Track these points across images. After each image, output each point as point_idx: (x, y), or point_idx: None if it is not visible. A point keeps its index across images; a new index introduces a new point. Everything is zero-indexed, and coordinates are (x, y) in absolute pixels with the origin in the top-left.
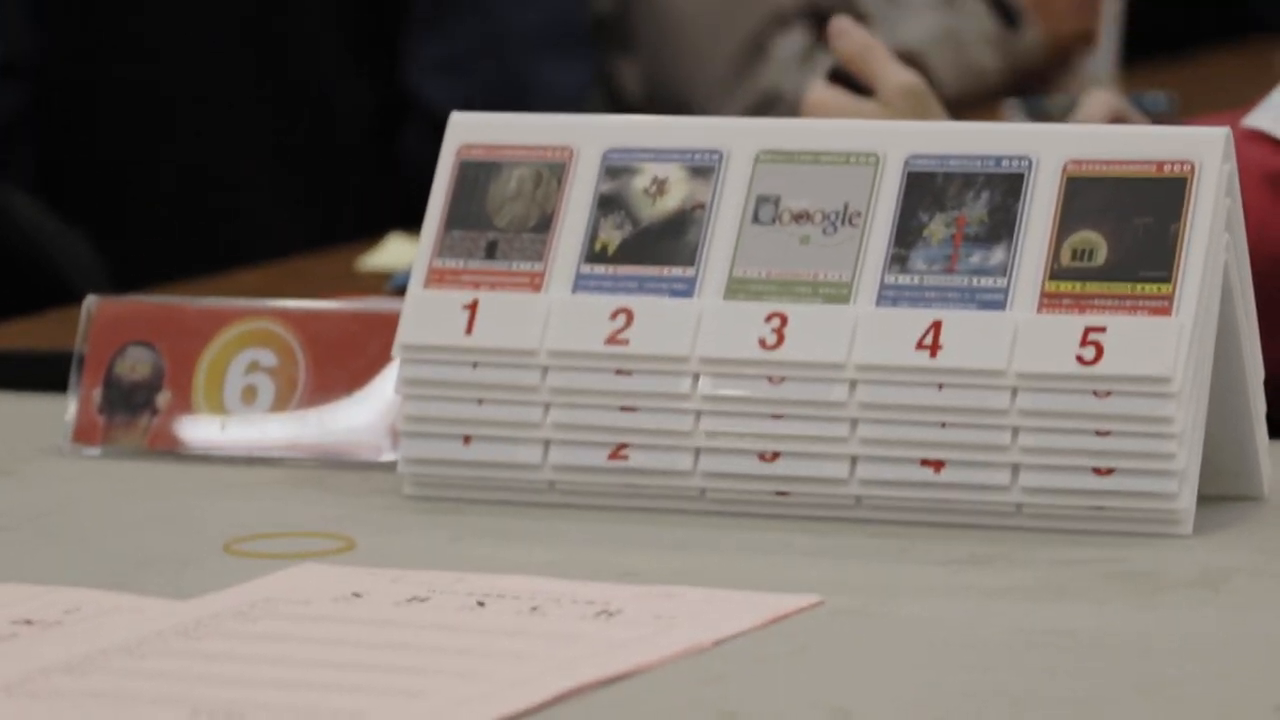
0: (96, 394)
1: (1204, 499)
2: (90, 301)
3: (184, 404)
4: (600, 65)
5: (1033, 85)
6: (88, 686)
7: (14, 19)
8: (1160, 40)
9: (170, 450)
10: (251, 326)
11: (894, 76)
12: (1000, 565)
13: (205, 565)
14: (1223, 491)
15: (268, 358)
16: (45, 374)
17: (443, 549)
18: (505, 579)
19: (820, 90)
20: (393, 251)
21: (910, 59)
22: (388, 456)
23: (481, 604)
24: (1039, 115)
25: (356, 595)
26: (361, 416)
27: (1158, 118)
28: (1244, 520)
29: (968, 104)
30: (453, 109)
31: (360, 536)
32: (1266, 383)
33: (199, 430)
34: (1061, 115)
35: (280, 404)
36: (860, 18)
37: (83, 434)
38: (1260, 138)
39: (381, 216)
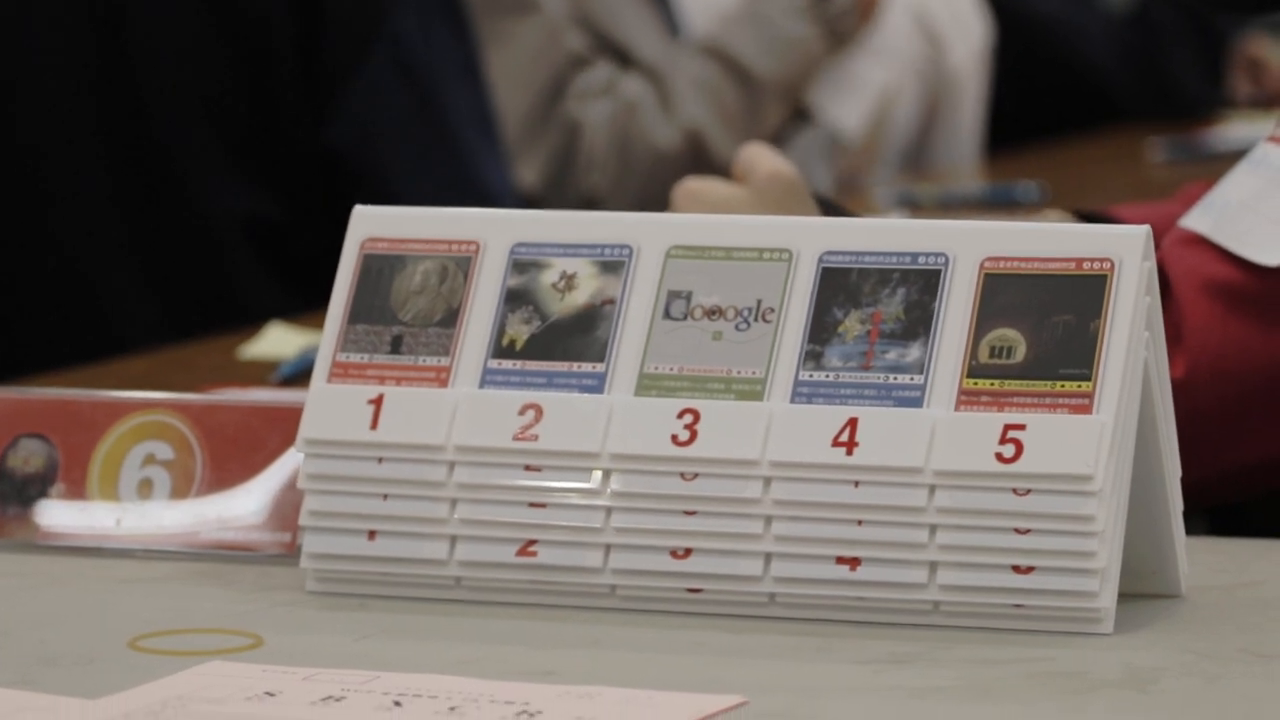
0: None
1: (1122, 597)
2: None
3: (79, 497)
4: None
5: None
6: None
7: None
8: (1023, 128)
9: (65, 544)
10: (148, 419)
11: (765, 164)
12: (921, 665)
13: (111, 662)
14: (1141, 589)
15: (164, 450)
16: None
17: (351, 647)
18: (420, 678)
19: (692, 180)
20: (273, 340)
21: (712, 51)
22: (287, 551)
23: (398, 704)
24: (911, 204)
25: (270, 694)
26: (260, 510)
27: (1029, 207)
28: (1164, 618)
29: (797, 81)
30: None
31: (266, 633)
32: (1214, 484)
33: (94, 524)
34: (932, 204)
35: (177, 497)
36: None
37: None
38: (1198, 241)
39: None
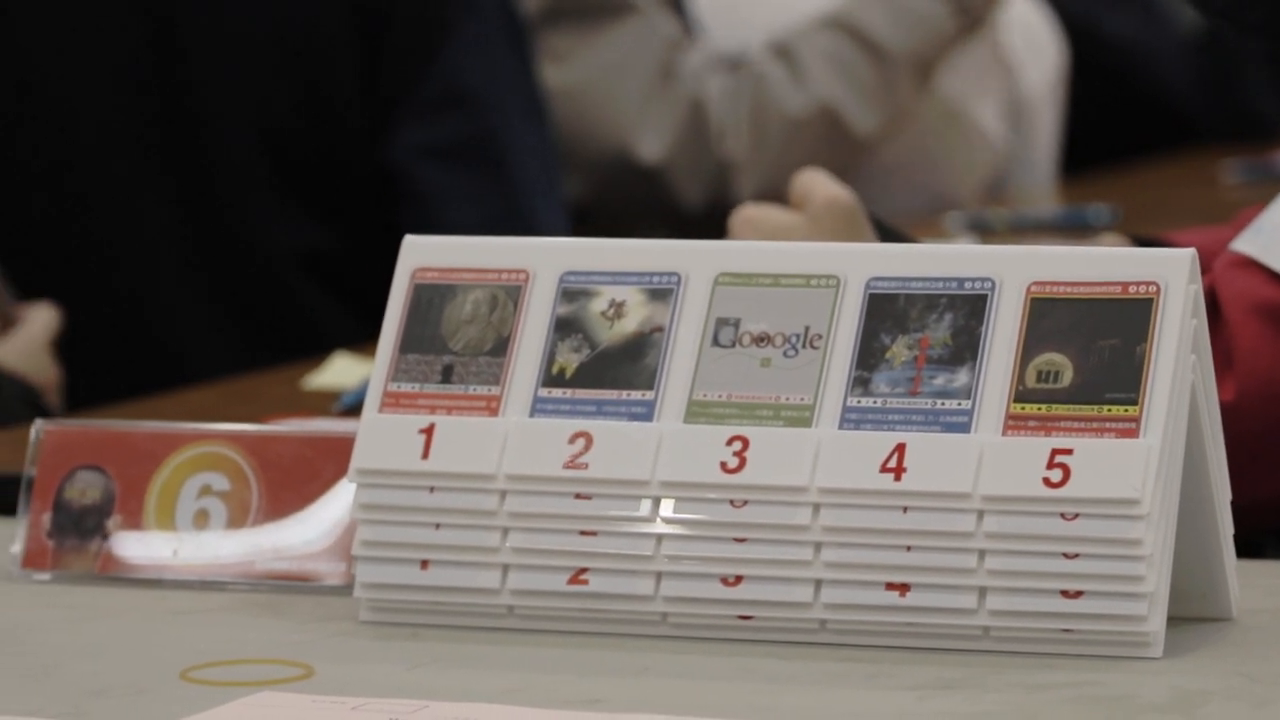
0: (46, 519)
1: (1172, 620)
2: (39, 425)
3: (135, 528)
4: None
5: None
6: None
7: None
8: (1099, 151)
9: (121, 575)
10: (204, 450)
11: (821, 190)
12: (969, 690)
13: (162, 693)
14: (1191, 613)
15: (220, 482)
16: None
17: (402, 676)
18: (469, 707)
19: (748, 207)
20: (338, 370)
21: (841, 24)
22: (342, 581)
23: None
24: (982, 229)
25: None
26: (316, 540)
27: (1101, 230)
28: (1214, 642)
29: (930, 57)
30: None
31: (318, 663)
32: (1265, 509)
33: (151, 555)
34: (1004, 228)
35: (233, 527)
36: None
37: (32, 559)
38: (1248, 264)
39: (328, 335)
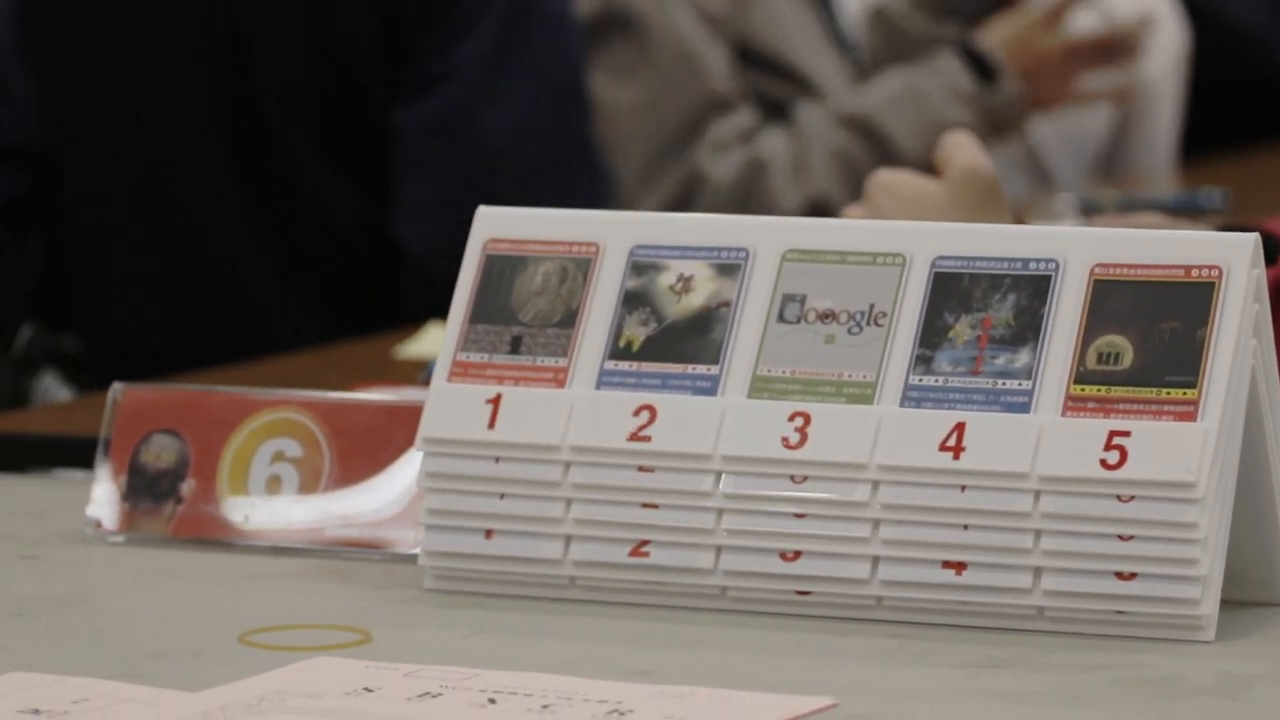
0: (121, 481)
1: (1227, 605)
2: (117, 389)
3: (208, 492)
4: None
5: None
6: None
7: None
8: (1217, 136)
9: (193, 538)
10: (277, 416)
11: (963, 158)
12: (1017, 670)
13: (219, 656)
14: (1247, 598)
15: (293, 448)
16: (73, 459)
17: (459, 644)
18: (519, 676)
19: (885, 172)
20: (430, 340)
21: (862, 124)
22: (410, 549)
23: (493, 700)
24: (1091, 210)
25: (368, 690)
26: (385, 508)
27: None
28: (1268, 627)
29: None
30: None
31: (377, 630)
32: None
33: (223, 519)
34: (1113, 210)
35: (305, 493)
36: (807, 89)
37: (107, 521)
38: None
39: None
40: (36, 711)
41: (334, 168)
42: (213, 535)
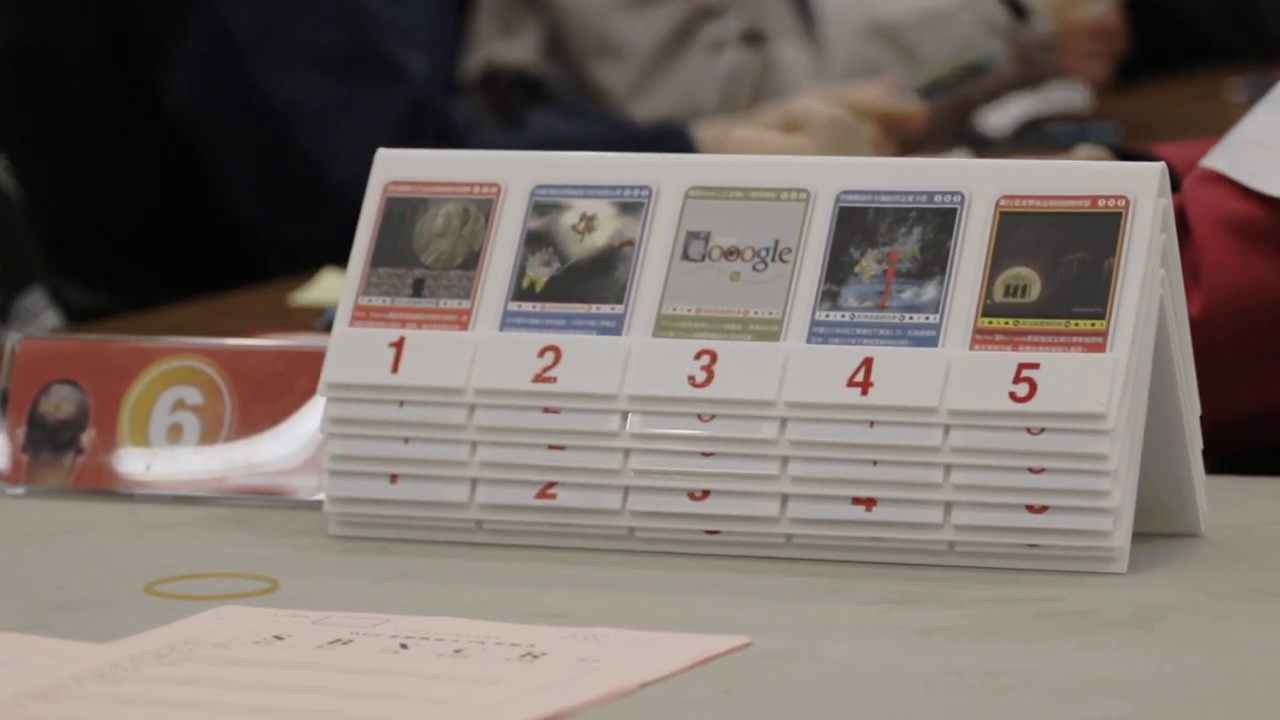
0: (20, 433)
1: (1140, 536)
2: (13, 339)
3: (109, 442)
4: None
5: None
6: None
7: None
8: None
9: (95, 489)
10: (177, 364)
11: (821, 110)
12: (930, 605)
13: (126, 607)
14: (1159, 529)
15: (194, 395)
16: None
17: (367, 590)
18: (429, 621)
19: (743, 129)
20: (326, 287)
21: (891, 36)
22: (314, 495)
23: (405, 646)
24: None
25: (278, 638)
26: (289, 455)
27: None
28: (1180, 558)
29: (971, 97)
30: None
31: (283, 578)
32: (1234, 425)
33: (124, 469)
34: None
35: (206, 442)
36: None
37: (7, 474)
38: (1218, 179)
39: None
40: None
41: None
42: (114, 486)
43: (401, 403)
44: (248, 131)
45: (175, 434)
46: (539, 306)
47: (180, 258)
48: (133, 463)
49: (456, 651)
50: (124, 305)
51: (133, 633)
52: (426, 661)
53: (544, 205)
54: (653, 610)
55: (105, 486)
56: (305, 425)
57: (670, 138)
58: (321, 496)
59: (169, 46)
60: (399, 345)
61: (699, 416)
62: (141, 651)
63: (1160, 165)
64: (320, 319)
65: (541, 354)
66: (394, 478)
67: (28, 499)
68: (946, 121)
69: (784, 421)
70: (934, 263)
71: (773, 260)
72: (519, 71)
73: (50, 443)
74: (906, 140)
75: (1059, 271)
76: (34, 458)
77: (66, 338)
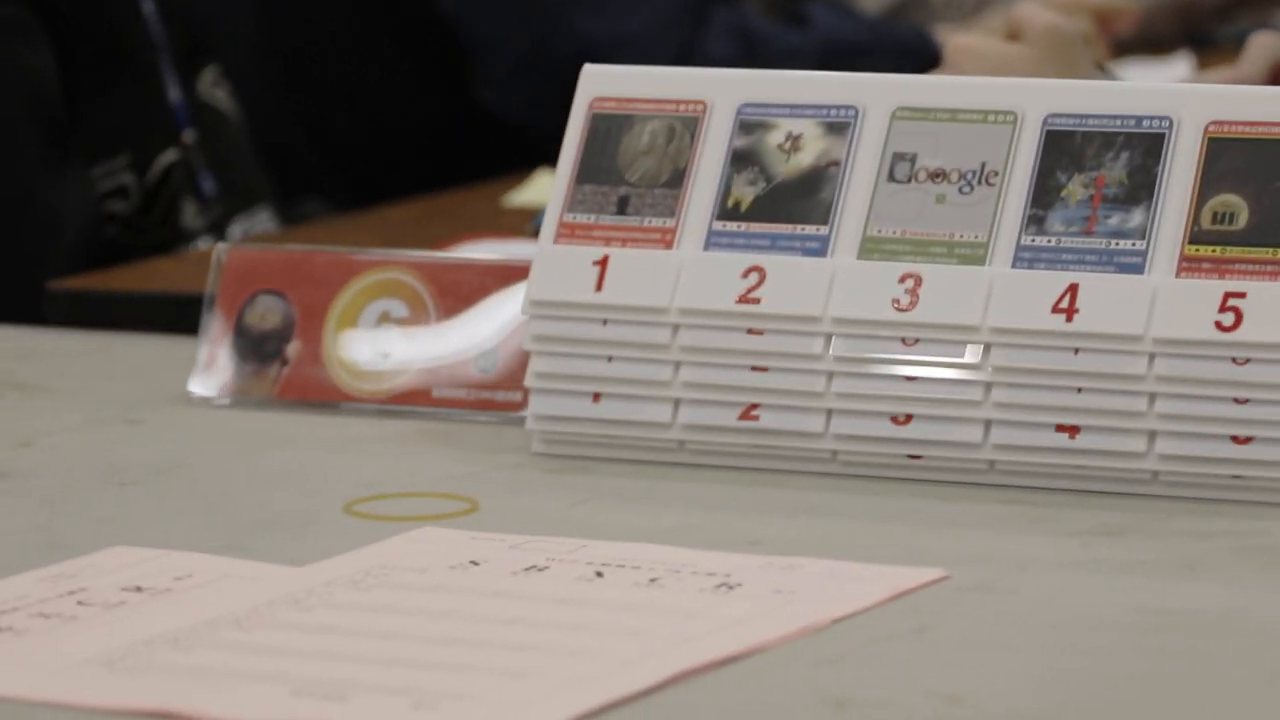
0: (226, 342)
1: None
2: (220, 249)
3: (314, 354)
4: None
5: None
6: (191, 662)
7: None
8: None
9: (300, 400)
10: (383, 277)
11: (1041, 19)
12: (1132, 538)
13: (324, 527)
14: None
15: (398, 308)
16: (177, 317)
17: (565, 512)
18: (626, 547)
19: (964, 35)
20: (539, 187)
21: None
22: (519, 411)
23: (600, 574)
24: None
25: (474, 563)
26: (493, 369)
27: None
28: None
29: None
30: None
31: (484, 498)
32: None
33: (328, 380)
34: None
35: (411, 354)
36: None
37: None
38: None
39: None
40: (139, 589)
41: None
42: (319, 398)
43: (605, 321)
44: (520, 19)
45: (379, 346)
46: (744, 226)
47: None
48: (337, 374)
49: (652, 580)
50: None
51: (331, 554)
52: (622, 591)
53: (750, 124)
54: (851, 538)
55: (310, 398)
56: (511, 341)
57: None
58: (525, 413)
59: None
60: (603, 263)
61: (903, 340)
62: (337, 576)
63: None
64: (532, 223)
65: (746, 274)
66: (597, 396)
67: (232, 410)
68: (1169, 23)
69: (988, 347)
70: (1141, 188)
71: (979, 183)
72: None
73: (256, 353)
74: (1123, 41)
75: (1266, 199)
76: (239, 368)
77: (273, 248)
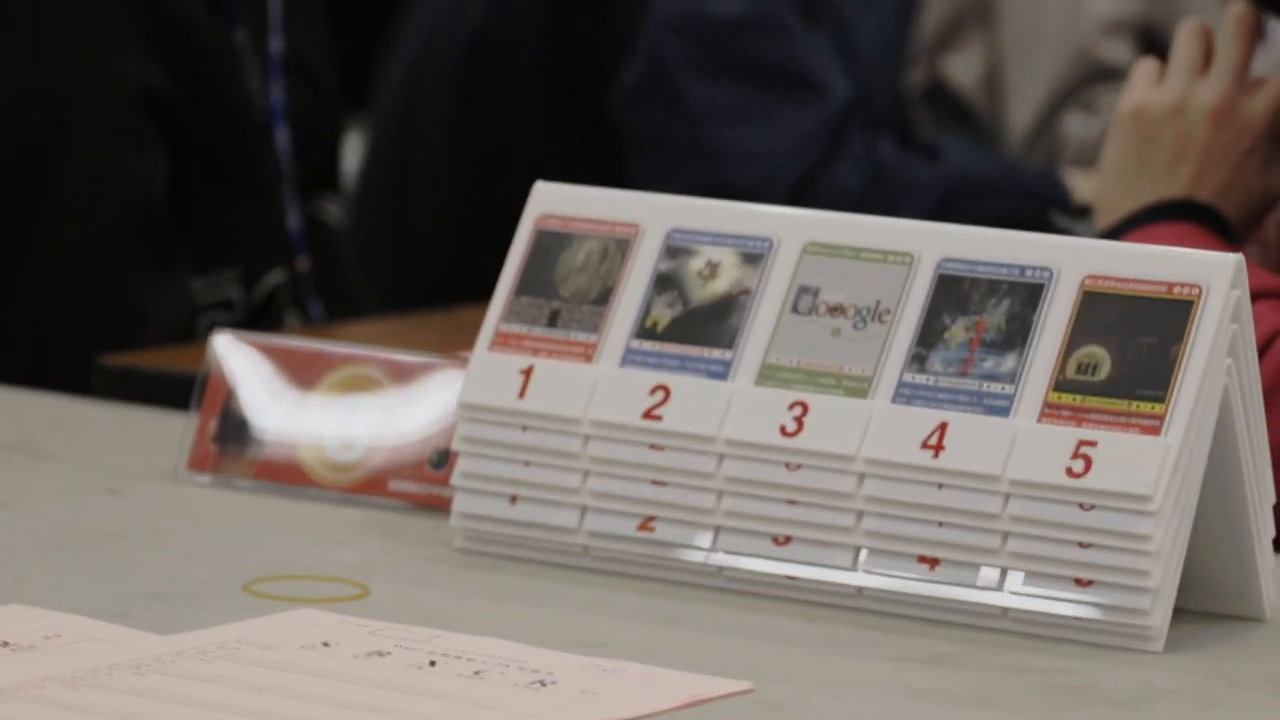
0: (213, 424)
1: (1201, 615)
2: (218, 338)
3: (289, 440)
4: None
5: None
6: (5, 714)
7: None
8: None
9: (269, 484)
10: (354, 372)
11: (1128, 97)
12: (948, 667)
13: (216, 602)
14: (1223, 610)
15: (367, 402)
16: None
17: (447, 605)
18: (473, 640)
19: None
20: None
21: None
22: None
23: (433, 663)
24: None
25: (325, 645)
26: (444, 466)
27: None
28: (1224, 641)
29: None
30: None
31: (381, 586)
32: None
33: (298, 466)
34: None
35: (376, 447)
36: None
37: (196, 461)
38: None
39: None
40: (6, 644)
41: None
42: (289, 482)
43: (525, 427)
44: (667, 132)
45: (347, 437)
46: (658, 346)
47: None
48: (307, 461)
49: (476, 673)
50: None
51: (205, 626)
52: (443, 680)
53: (676, 249)
54: (698, 649)
55: (281, 481)
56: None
57: (1055, 188)
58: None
59: (619, 61)
60: (528, 373)
61: (787, 465)
62: (190, 647)
63: (1235, 257)
64: None
65: (653, 392)
66: (514, 499)
67: (208, 488)
68: None
69: (862, 477)
70: (1017, 334)
71: (872, 320)
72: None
73: (237, 435)
74: None
75: (1129, 353)
76: (222, 449)
77: (264, 339)
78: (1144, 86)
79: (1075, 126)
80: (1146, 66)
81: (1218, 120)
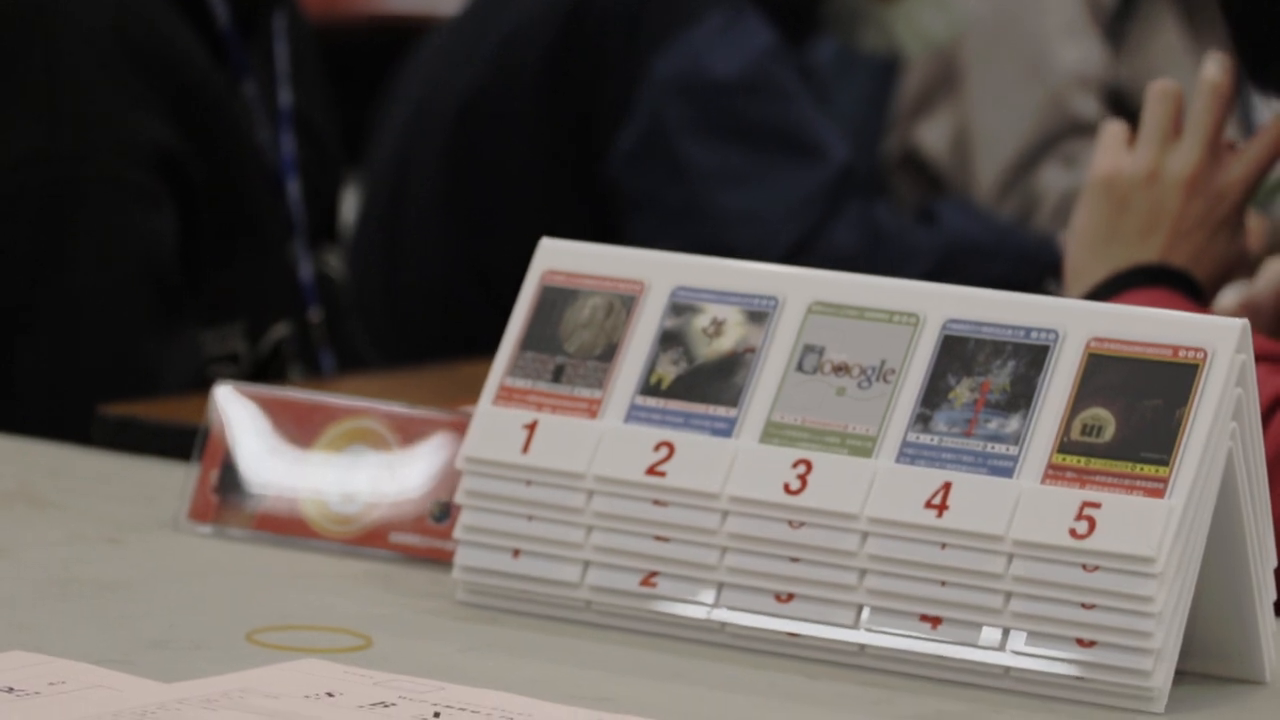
0: (214, 475)
1: (1203, 679)
2: (219, 390)
3: (291, 492)
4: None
5: None
6: None
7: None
8: None
9: (269, 535)
10: (356, 424)
11: (1097, 163)
12: None
13: (218, 651)
14: (1225, 673)
15: (369, 455)
16: (181, 446)
17: (450, 657)
18: (478, 693)
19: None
20: None
21: None
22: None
23: (437, 715)
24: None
25: (329, 695)
26: (446, 519)
27: None
28: (1225, 703)
29: None
30: None
31: (384, 637)
32: None
33: (299, 518)
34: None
35: (377, 499)
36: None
37: (197, 512)
38: None
39: None
40: (11, 689)
41: None
42: (290, 533)
43: (529, 482)
44: (665, 193)
45: (349, 489)
46: (662, 403)
47: None
48: (309, 513)
49: None
50: None
51: (209, 675)
52: None
53: (681, 306)
54: (700, 704)
55: (282, 533)
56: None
57: (1052, 253)
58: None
59: (616, 123)
60: (532, 427)
61: (790, 523)
62: (195, 695)
63: (1241, 322)
64: None
65: (657, 448)
66: (517, 552)
67: (210, 538)
68: None
69: (865, 535)
70: (1021, 396)
71: (877, 379)
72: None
73: (239, 487)
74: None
75: (1134, 416)
76: (223, 499)
77: (265, 391)
78: (1115, 152)
79: (1055, 180)
80: (1115, 130)
81: (1191, 190)
